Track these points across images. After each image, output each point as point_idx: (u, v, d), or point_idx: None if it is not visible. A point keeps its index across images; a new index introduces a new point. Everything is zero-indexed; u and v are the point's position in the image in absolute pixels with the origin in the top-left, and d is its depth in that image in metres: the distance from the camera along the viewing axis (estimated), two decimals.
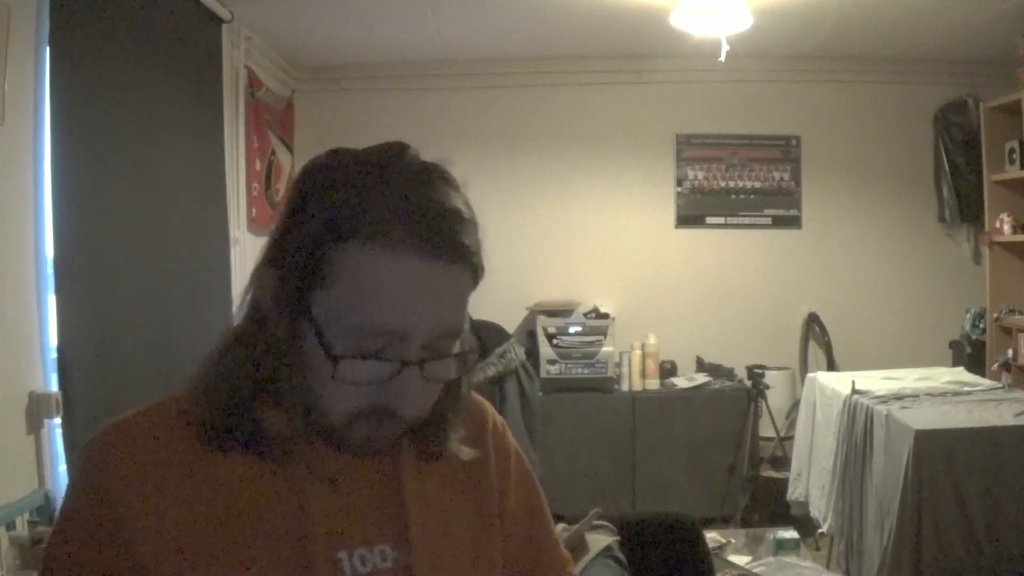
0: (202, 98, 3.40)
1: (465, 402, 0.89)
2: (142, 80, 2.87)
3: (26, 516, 2.14)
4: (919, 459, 2.58)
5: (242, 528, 0.75)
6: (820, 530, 3.34)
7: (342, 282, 0.71)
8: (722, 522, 4.05)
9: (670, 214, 4.82)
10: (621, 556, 1.82)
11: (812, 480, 3.45)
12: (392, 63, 4.64)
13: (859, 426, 3.00)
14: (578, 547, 1.74)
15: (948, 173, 4.67)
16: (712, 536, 2.59)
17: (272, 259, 0.76)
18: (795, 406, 4.16)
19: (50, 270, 2.36)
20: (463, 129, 4.76)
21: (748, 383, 4.36)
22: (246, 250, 3.80)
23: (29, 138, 2.33)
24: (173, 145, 3.11)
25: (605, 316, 4.47)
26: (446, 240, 0.72)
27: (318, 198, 0.73)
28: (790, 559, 2.52)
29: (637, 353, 4.54)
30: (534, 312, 4.49)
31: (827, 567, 3.14)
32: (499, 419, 0.98)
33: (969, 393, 3.17)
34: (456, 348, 0.79)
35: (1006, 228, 4.18)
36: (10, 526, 2.07)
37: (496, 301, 4.44)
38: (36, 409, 2.29)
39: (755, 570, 2.43)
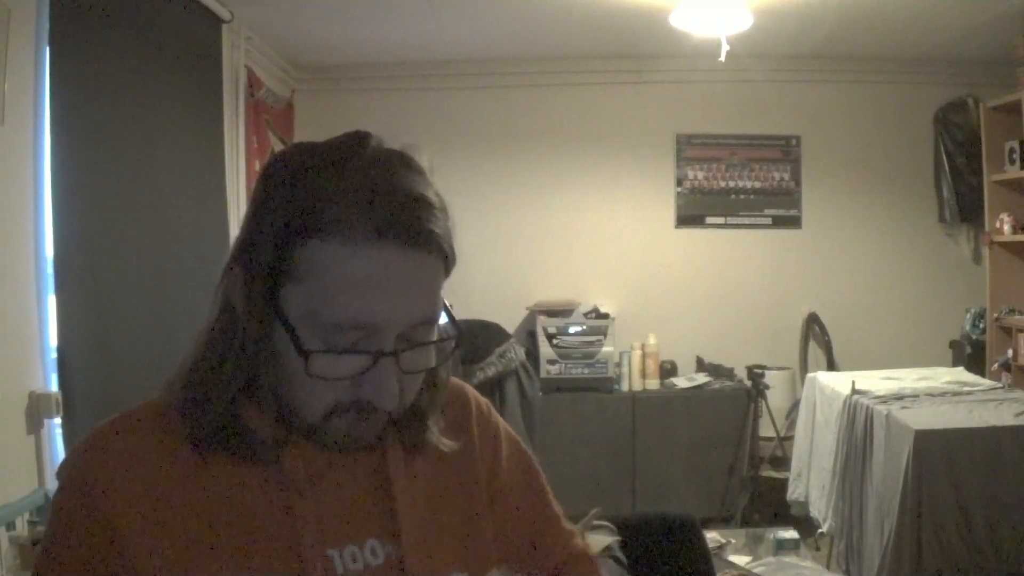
0: (202, 98, 3.40)
1: (443, 391, 0.88)
2: (142, 80, 2.87)
3: (26, 516, 2.14)
4: (919, 459, 2.58)
5: (233, 533, 0.74)
6: (820, 530, 3.34)
7: (310, 279, 0.71)
8: (722, 522, 4.05)
9: (670, 214, 4.82)
10: (621, 556, 1.82)
11: (812, 480, 3.45)
12: (392, 63, 4.64)
13: (859, 426, 3.00)
14: None
15: (948, 173, 4.67)
16: (712, 536, 2.59)
17: (239, 257, 0.75)
18: (795, 406, 4.17)
19: (50, 270, 2.36)
20: (463, 129, 4.75)
21: (748, 383, 4.36)
22: None
23: (29, 138, 2.33)
24: (173, 145, 3.11)
25: (605, 316, 4.47)
26: (409, 227, 0.71)
27: (280, 195, 0.72)
28: (790, 559, 2.52)
29: (637, 353, 4.54)
30: (534, 312, 4.49)
31: (827, 567, 3.14)
32: (483, 400, 0.97)
33: (969, 393, 3.17)
34: (433, 336, 0.78)
35: (1006, 228, 4.18)
36: (10, 526, 2.07)
37: (496, 301, 4.45)
38: (36, 409, 2.29)
39: (755, 570, 2.44)
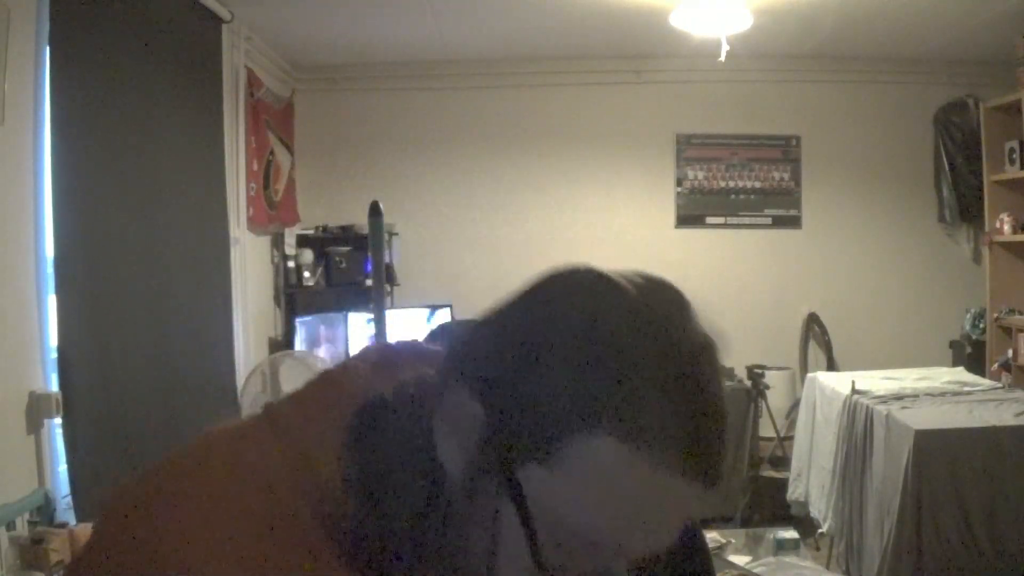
0: (202, 98, 3.40)
1: None
2: (142, 80, 2.87)
3: (26, 516, 2.14)
4: (919, 459, 2.58)
5: None
6: (820, 530, 3.34)
7: (574, 473, 0.56)
8: (722, 522, 4.05)
9: (670, 214, 4.82)
10: None
11: (812, 480, 3.45)
12: (392, 63, 4.64)
13: (859, 426, 3.00)
14: None
15: (948, 173, 4.67)
16: (712, 536, 2.60)
17: (484, 396, 0.58)
18: (795, 406, 4.16)
19: (50, 270, 2.36)
20: (463, 129, 4.75)
21: (748, 383, 4.35)
22: (246, 250, 3.81)
23: (29, 138, 2.33)
24: (173, 145, 3.11)
25: None
26: (713, 464, 0.57)
27: (567, 363, 0.56)
28: (790, 559, 2.52)
29: None
30: None
31: (827, 567, 3.14)
32: None
33: (969, 393, 3.17)
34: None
35: (1006, 228, 4.18)
36: (10, 526, 2.07)
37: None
38: (36, 409, 2.29)
39: (755, 570, 2.44)
